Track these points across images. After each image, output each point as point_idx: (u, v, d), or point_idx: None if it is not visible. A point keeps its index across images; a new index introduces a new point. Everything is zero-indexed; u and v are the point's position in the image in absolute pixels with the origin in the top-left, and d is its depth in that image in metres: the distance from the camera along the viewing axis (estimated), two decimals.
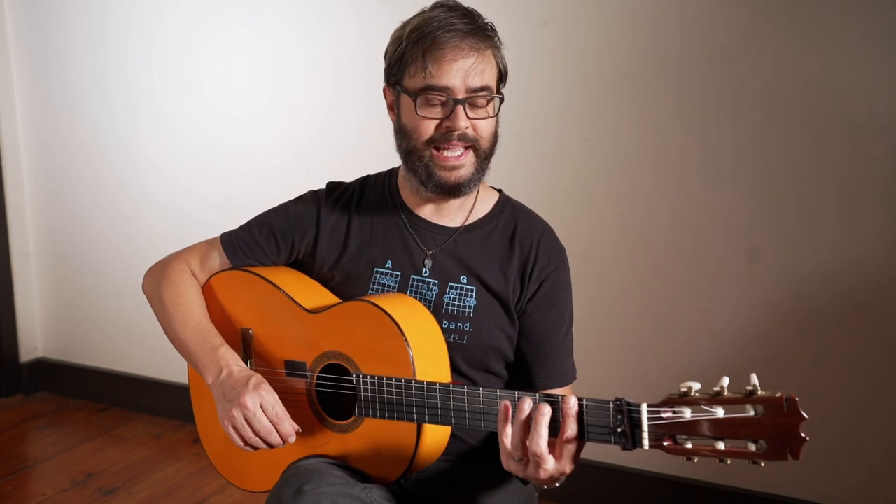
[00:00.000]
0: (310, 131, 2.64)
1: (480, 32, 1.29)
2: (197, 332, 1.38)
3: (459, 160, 1.30)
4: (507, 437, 1.10)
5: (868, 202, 1.93)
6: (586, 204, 2.23)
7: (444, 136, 1.29)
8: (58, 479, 2.59)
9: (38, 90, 3.16)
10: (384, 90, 1.39)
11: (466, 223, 1.42)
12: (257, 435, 1.26)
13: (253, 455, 1.42)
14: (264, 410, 1.25)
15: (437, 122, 1.29)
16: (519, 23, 2.23)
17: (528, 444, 1.08)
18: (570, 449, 1.08)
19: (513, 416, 1.10)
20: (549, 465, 1.07)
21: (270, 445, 1.27)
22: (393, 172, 1.47)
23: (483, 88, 1.29)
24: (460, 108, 1.28)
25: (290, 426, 1.27)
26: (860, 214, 1.93)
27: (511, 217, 1.43)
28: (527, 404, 1.10)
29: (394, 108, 1.38)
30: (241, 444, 1.28)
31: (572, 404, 1.08)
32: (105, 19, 2.95)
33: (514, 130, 2.25)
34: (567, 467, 1.09)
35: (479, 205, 1.43)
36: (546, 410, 1.08)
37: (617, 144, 2.17)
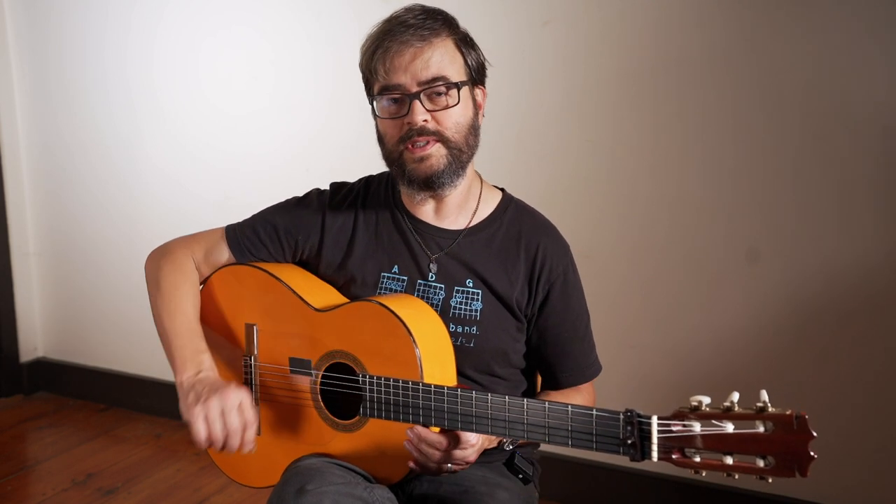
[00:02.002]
0: (310, 131, 2.64)
1: (432, 23, 1.29)
2: (186, 329, 1.36)
3: (426, 150, 1.29)
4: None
5: (868, 202, 1.93)
6: (586, 204, 2.23)
7: (407, 134, 1.29)
8: (58, 479, 2.58)
9: (38, 90, 3.16)
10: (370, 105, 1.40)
11: (470, 225, 1.42)
12: (225, 430, 1.22)
13: (255, 453, 1.42)
14: (241, 410, 1.23)
15: (399, 121, 1.30)
16: (519, 23, 2.23)
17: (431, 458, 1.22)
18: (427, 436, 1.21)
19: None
20: (451, 456, 1.22)
21: (228, 448, 1.23)
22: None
23: (436, 79, 1.28)
24: (416, 102, 1.27)
25: (253, 435, 1.24)
26: (860, 214, 1.94)
27: (514, 217, 1.43)
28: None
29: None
30: (204, 436, 1.21)
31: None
32: (105, 19, 2.95)
33: (514, 130, 2.26)
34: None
35: (483, 206, 1.43)
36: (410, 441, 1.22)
37: (617, 144, 2.17)
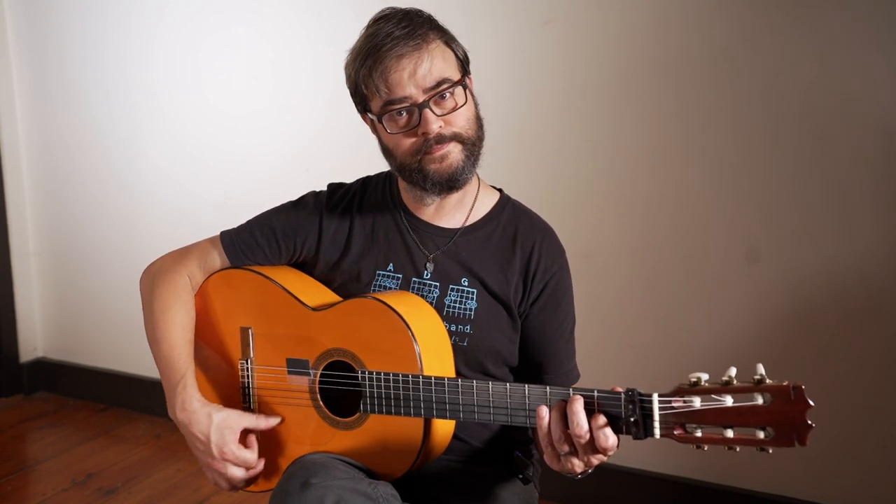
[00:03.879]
0: (310, 131, 2.64)
1: (419, 29, 1.28)
2: (167, 357, 1.39)
3: (444, 148, 1.29)
4: (550, 434, 1.12)
5: (868, 202, 1.93)
6: (586, 204, 2.23)
7: (425, 145, 1.29)
8: (58, 479, 2.59)
9: (38, 90, 3.16)
10: (362, 117, 1.39)
11: (466, 224, 1.42)
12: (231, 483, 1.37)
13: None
14: (238, 460, 1.33)
15: (411, 132, 1.29)
16: (519, 23, 2.23)
17: (570, 430, 1.10)
18: (606, 432, 1.09)
19: (549, 415, 1.13)
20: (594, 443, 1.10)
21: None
22: (392, 174, 1.47)
23: (440, 82, 1.27)
24: (427, 111, 1.27)
25: (257, 470, 1.37)
26: (860, 214, 1.94)
27: (512, 217, 1.43)
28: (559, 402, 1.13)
29: (374, 132, 1.38)
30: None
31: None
32: (105, 19, 2.95)
33: (514, 130, 2.26)
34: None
35: (479, 205, 1.43)
36: (578, 397, 1.10)
37: (617, 145, 2.17)
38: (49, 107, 3.15)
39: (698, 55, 2.05)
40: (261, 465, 1.36)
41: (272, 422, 1.36)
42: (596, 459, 1.12)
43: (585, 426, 1.08)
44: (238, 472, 1.34)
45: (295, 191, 1.52)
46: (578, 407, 1.09)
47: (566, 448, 1.11)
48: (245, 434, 1.35)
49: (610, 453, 1.11)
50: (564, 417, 1.11)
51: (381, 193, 1.46)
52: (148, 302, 1.45)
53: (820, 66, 1.93)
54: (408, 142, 1.30)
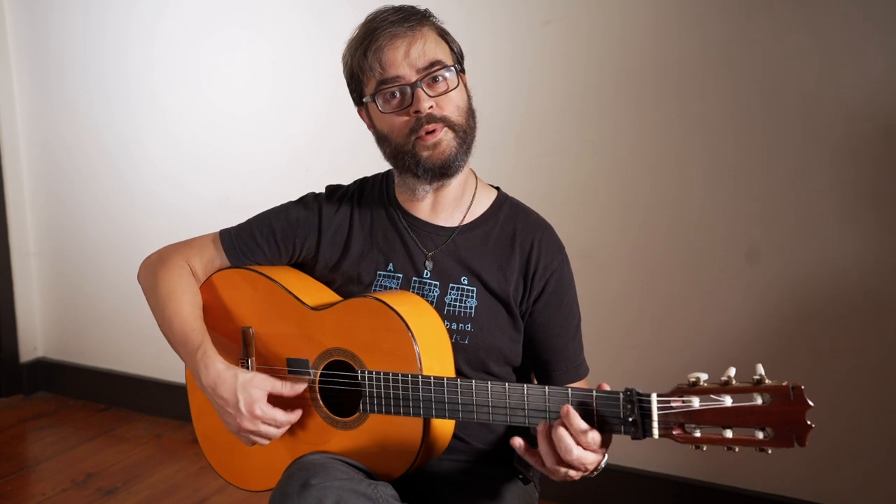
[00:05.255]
0: (310, 131, 2.64)
1: (414, 17, 1.32)
2: (181, 332, 1.38)
3: (436, 136, 1.30)
4: (544, 458, 1.14)
5: (868, 202, 1.93)
6: (586, 204, 2.23)
7: (416, 123, 1.30)
8: (58, 479, 2.59)
9: (38, 90, 3.16)
10: (358, 113, 1.42)
11: (464, 222, 1.42)
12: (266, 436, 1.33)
13: (253, 455, 1.42)
14: (267, 419, 1.30)
15: (403, 112, 1.31)
16: (519, 23, 2.23)
17: (561, 456, 1.11)
18: (594, 437, 1.10)
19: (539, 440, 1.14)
20: (589, 460, 1.11)
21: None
22: (389, 174, 1.47)
23: (432, 63, 1.30)
24: (419, 90, 1.29)
25: (288, 420, 1.33)
26: (860, 214, 1.94)
27: (510, 215, 1.43)
28: (542, 427, 1.13)
29: (370, 124, 1.40)
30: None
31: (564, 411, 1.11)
32: (105, 19, 2.95)
33: (515, 130, 2.26)
34: (597, 456, 1.13)
35: (477, 203, 1.43)
36: (561, 432, 1.10)
37: (617, 145, 2.17)
38: (49, 107, 3.15)
39: (698, 55, 2.05)
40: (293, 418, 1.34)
41: (298, 388, 1.32)
42: (573, 471, 1.13)
43: (576, 455, 1.09)
44: (271, 430, 1.31)
45: (295, 191, 1.52)
46: (565, 438, 1.09)
47: (561, 472, 1.14)
48: (271, 398, 1.32)
49: (581, 468, 1.12)
50: (553, 442, 1.11)
51: (378, 193, 1.47)
52: (152, 287, 1.44)
53: (820, 66, 1.93)
54: (400, 121, 1.31)
